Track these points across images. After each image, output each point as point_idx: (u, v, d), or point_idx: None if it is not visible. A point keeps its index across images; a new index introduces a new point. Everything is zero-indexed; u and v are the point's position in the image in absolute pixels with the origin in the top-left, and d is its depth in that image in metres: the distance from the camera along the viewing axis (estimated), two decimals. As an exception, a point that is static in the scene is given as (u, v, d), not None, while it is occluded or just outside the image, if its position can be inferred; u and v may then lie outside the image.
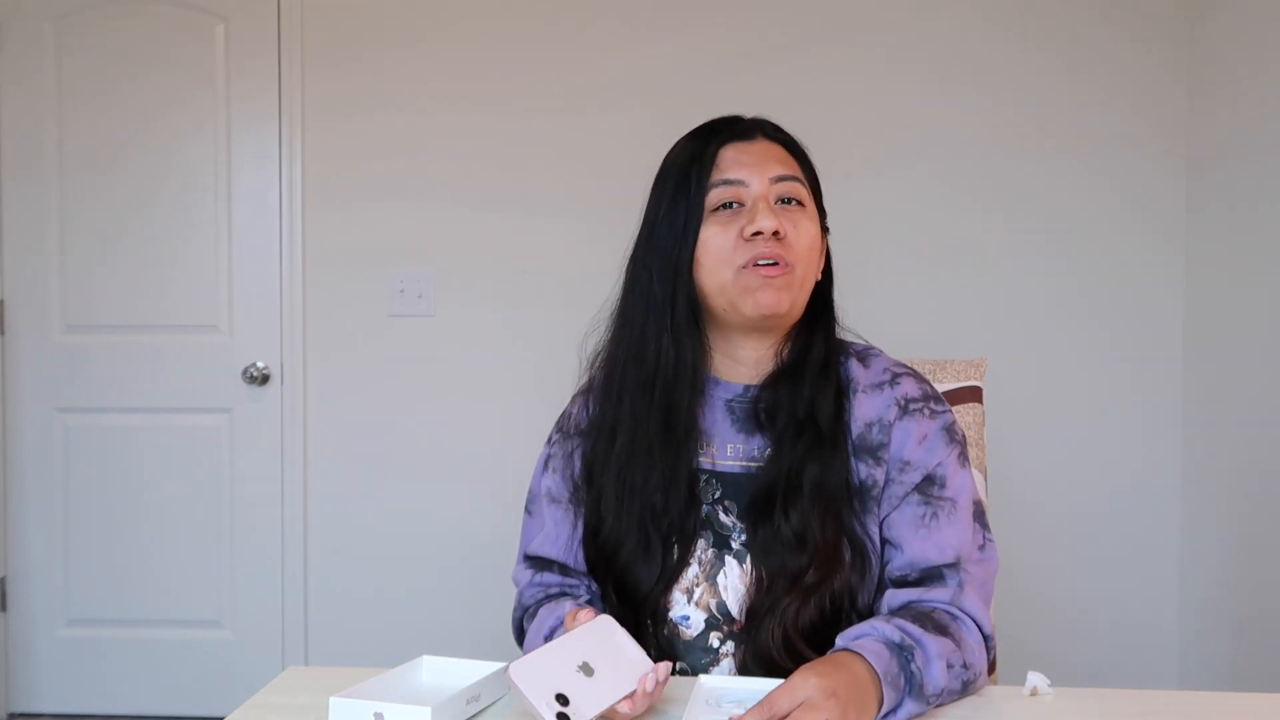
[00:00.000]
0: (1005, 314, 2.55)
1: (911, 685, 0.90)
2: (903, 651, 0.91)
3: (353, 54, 2.64)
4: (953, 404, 1.34)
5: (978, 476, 1.31)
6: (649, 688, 0.86)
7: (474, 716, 0.90)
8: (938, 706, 0.93)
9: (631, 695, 0.85)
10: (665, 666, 0.88)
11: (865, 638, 0.92)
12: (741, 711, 0.82)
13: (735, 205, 1.05)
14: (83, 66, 2.68)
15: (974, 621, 1.01)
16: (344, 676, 0.95)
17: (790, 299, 1.04)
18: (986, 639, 1.02)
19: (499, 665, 0.94)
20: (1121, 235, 2.53)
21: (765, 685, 0.89)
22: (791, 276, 1.04)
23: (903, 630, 0.93)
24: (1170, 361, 2.53)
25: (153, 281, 2.68)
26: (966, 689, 0.96)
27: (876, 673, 0.88)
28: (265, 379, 2.67)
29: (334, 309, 2.67)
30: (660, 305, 1.06)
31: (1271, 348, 2.13)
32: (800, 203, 1.07)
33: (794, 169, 1.08)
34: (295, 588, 2.69)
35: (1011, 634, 2.32)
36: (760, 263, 1.02)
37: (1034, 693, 0.94)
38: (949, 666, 0.93)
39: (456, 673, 0.95)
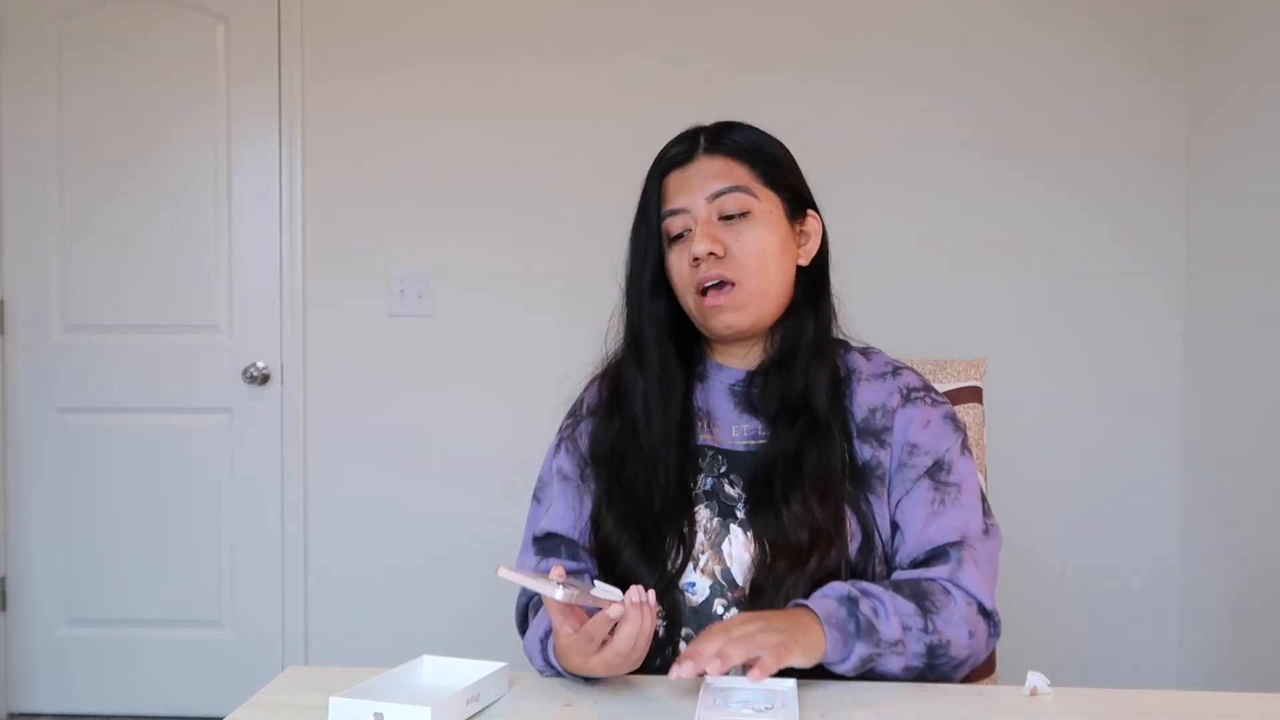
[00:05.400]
0: (1004, 314, 2.55)
1: (859, 628, 0.94)
2: (851, 601, 0.95)
3: (353, 54, 2.64)
4: (953, 404, 1.33)
5: (978, 475, 1.31)
6: (635, 598, 0.88)
7: (474, 716, 0.90)
8: (907, 669, 0.97)
9: (621, 603, 0.88)
10: (650, 594, 0.90)
11: (819, 596, 0.97)
12: (750, 712, 0.83)
13: (686, 233, 1.10)
14: (83, 67, 2.68)
15: (971, 596, 1.03)
16: (344, 676, 0.95)
17: (748, 316, 1.10)
18: (989, 615, 1.04)
19: (499, 665, 0.94)
20: (1121, 235, 2.53)
21: (771, 684, 0.89)
22: (741, 293, 1.08)
23: (858, 587, 0.97)
24: (1170, 361, 2.52)
25: (153, 281, 2.68)
26: (935, 654, 0.98)
27: (818, 616, 0.93)
28: (265, 379, 2.67)
29: (334, 309, 2.67)
30: (650, 313, 1.13)
31: (1271, 348, 2.13)
32: (745, 212, 1.09)
33: (736, 177, 1.10)
34: (295, 588, 2.69)
35: (1011, 634, 2.32)
36: (707, 286, 1.08)
37: (1034, 693, 0.94)
38: (905, 629, 0.96)
39: (456, 673, 0.95)
